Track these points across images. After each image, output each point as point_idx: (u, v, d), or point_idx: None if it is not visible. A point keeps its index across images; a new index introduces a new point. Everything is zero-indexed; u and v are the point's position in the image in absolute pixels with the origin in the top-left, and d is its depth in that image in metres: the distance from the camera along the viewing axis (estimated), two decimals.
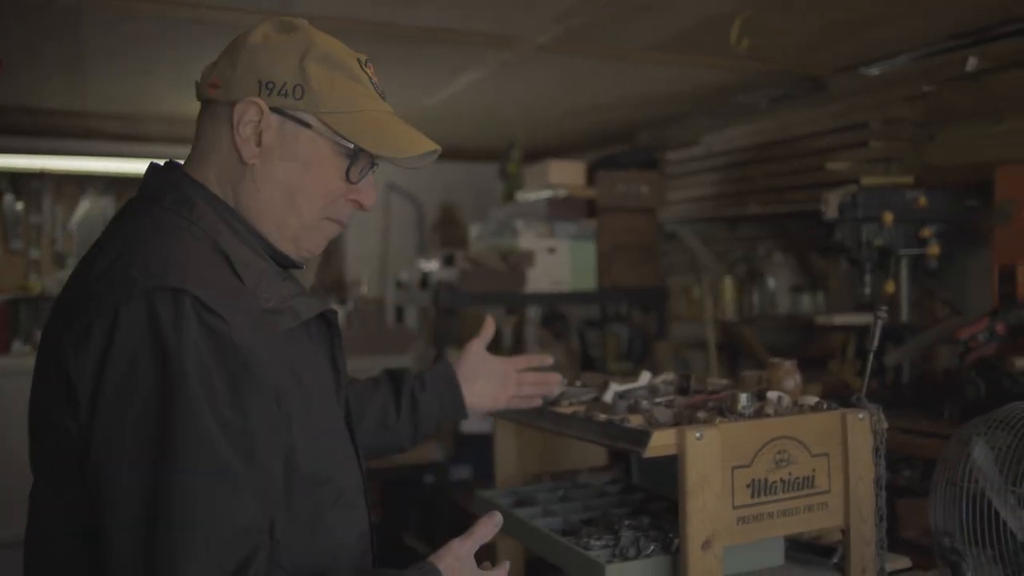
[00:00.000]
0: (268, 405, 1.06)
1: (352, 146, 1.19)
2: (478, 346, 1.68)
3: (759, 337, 3.63)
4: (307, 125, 1.17)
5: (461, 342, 4.83)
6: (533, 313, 4.66)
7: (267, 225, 1.20)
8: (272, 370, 1.07)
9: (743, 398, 1.52)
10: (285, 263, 1.24)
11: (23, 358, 4.66)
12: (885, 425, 1.54)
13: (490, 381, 1.68)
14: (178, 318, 0.99)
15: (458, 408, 1.65)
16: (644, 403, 1.59)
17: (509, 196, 4.13)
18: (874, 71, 3.25)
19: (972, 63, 2.66)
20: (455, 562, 1.17)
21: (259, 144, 1.17)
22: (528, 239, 3.42)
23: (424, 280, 3.68)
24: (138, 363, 0.98)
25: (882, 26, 2.74)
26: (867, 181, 2.80)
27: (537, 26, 2.78)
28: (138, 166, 4.98)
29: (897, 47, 3.01)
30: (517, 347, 4.33)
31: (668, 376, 1.82)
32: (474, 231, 3.90)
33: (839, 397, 2.61)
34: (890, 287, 2.61)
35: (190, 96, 3.87)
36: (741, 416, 1.49)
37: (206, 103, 1.22)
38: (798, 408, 1.54)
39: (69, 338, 1.01)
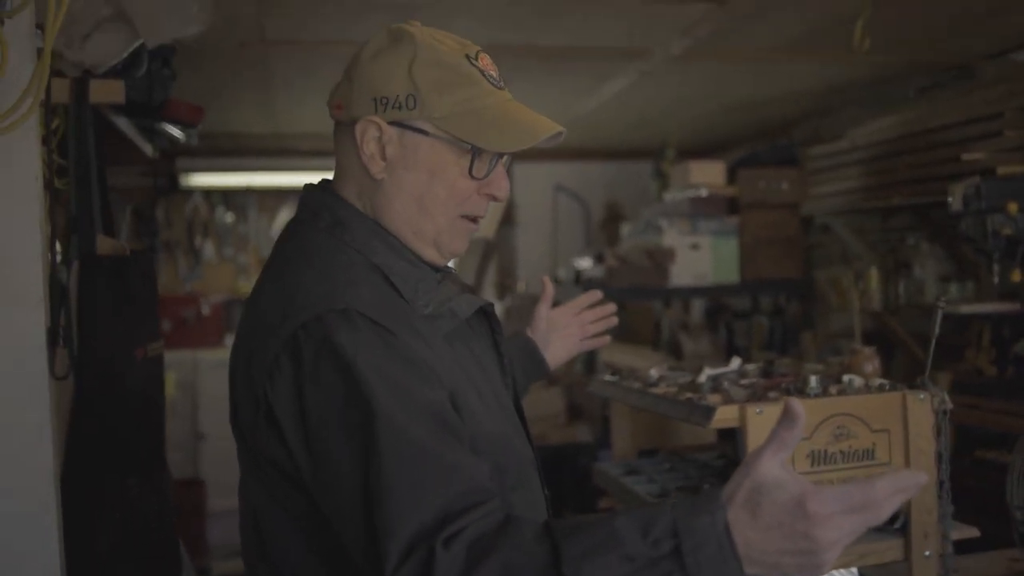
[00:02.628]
0: (443, 392, 1.12)
1: (470, 146, 1.21)
2: (544, 309, 1.79)
3: (910, 326, 3.66)
4: (425, 132, 1.20)
5: (627, 334, 5.08)
6: (697, 306, 4.84)
7: (406, 234, 1.24)
8: (442, 373, 1.14)
9: (812, 380, 1.70)
10: (436, 268, 1.30)
11: None
12: (949, 406, 1.67)
13: (560, 335, 1.80)
14: (351, 333, 1.08)
15: (542, 374, 1.78)
16: (725, 383, 1.79)
17: (662, 194, 4.33)
18: (1023, 57, 3.23)
19: None
20: (743, 479, 0.93)
21: (384, 158, 1.21)
22: (671, 236, 3.62)
23: (577, 277, 3.95)
24: (326, 380, 1.06)
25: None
26: (1003, 171, 2.82)
27: (665, 39, 2.99)
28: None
29: None
30: (672, 338, 4.52)
31: (761, 362, 2.01)
32: (625, 230, 4.14)
33: (970, 384, 2.69)
34: (1015, 275, 2.64)
35: None
36: (807, 396, 1.67)
37: (337, 124, 1.27)
38: (866, 389, 1.71)
39: (260, 368, 1.11)
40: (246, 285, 5.65)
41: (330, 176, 1.32)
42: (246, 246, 5.75)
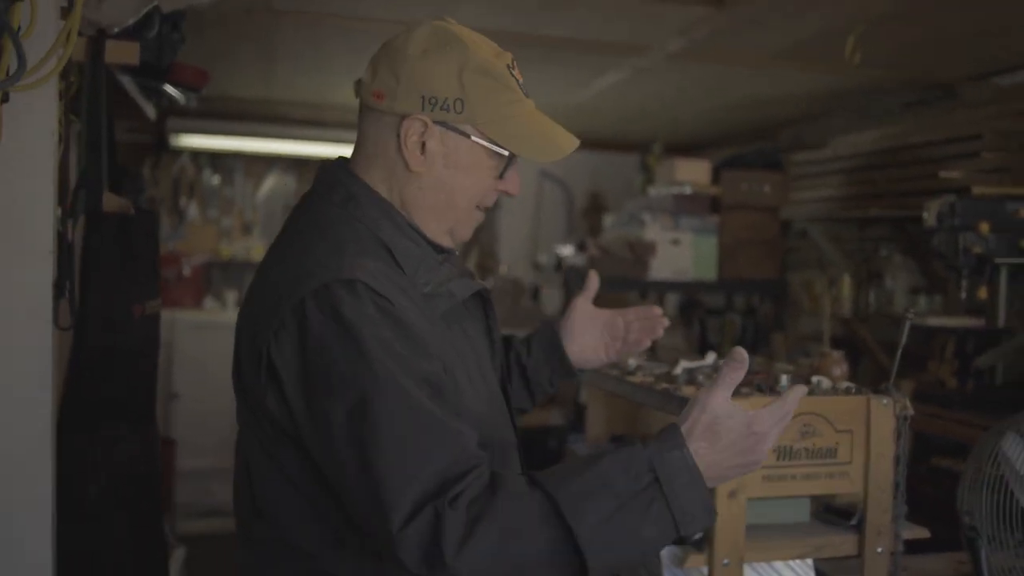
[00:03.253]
0: (437, 362, 1.20)
1: (507, 152, 1.31)
2: (582, 302, 1.70)
3: (878, 334, 3.78)
4: (467, 135, 1.29)
5: None
6: (672, 299, 4.93)
7: (428, 222, 1.32)
8: (435, 346, 1.22)
9: (783, 379, 1.78)
10: (440, 249, 1.36)
11: (214, 314, 5.36)
12: (910, 412, 1.76)
13: (596, 335, 1.70)
14: (355, 302, 1.15)
15: (566, 369, 1.69)
16: (700, 377, 1.87)
17: (646, 188, 4.41)
18: (1006, 81, 3.33)
19: None
20: (700, 414, 1.15)
21: (423, 152, 1.28)
22: (653, 231, 3.70)
23: (559, 264, 4.02)
24: (329, 345, 1.13)
25: (1013, 35, 2.83)
26: (978, 190, 2.93)
27: (664, 37, 3.06)
28: (317, 148, 5.53)
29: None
30: None
31: None
32: (608, 221, 4.22)
33: (931, 394, 2.79)
34: (982, 293, 2.74)
35: None
36: (778, 394, 1.75)
37: (369, 109, 1.32)
38: (832, 391, 1.79)
39: (266, 327, 1.18)
40: (228, 248, 5.67)
41: (345, 153, 1.38)
42: (231, 209, 5.76)
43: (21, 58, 1.05)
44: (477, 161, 1.31)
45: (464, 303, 1.38)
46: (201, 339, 5.03)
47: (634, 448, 1.12)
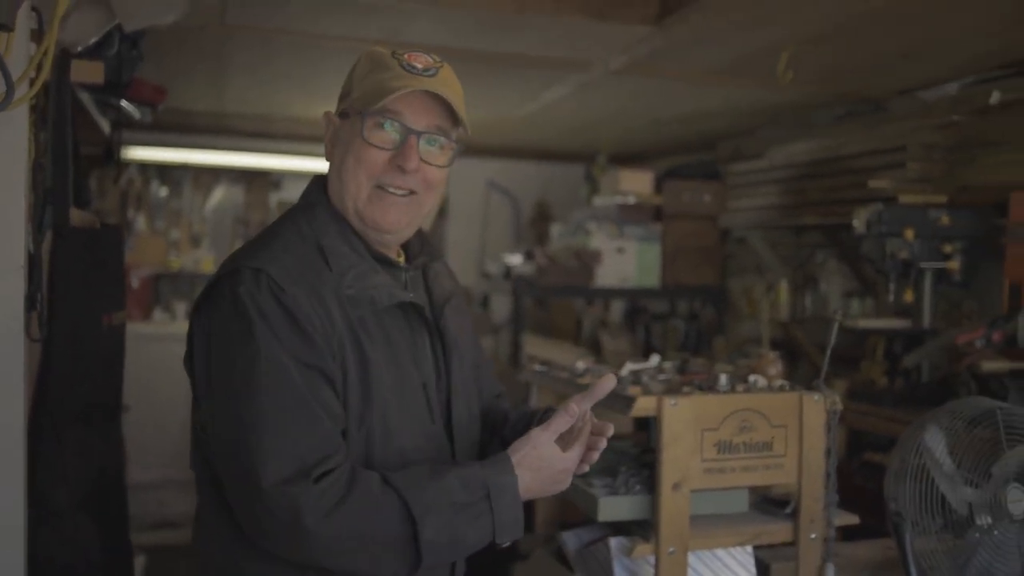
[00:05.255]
0: (321, 354, 1.30)
1: (360, 112, 1.37)
2: (579, 400, 1.40)
3: (813, 337, 3.94)
4: (347, 115, 1.42)
5: (551, 331, 5.28)
6: (617, 306, 5.06)
7: (343, 209, 1.42)
8: (330, 340, 1.31)
9: (722, 378, 1.90)
10: (385, 260, 1.44)
11: (163, 325, 5.35)
12: (839, 407, 1.89)
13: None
14: (253, 286, 1.29)
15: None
16: (644, 377, 1.98)
17: (592, 198, 4.53)
18: (930, 95, 3.51)
19: (995, 96, 2.92)
20: (531, 450, 1.33)
21: (332, 145, 1.45)
22: (599, 239, 3.83)
23: (508, 272, 4.12)
24: (227, 321, 1.29)
25: (936, 53, 3.00)
26: (904, 199, 3.10)
27: (607, 55, 3.18)
28: (265, 160, 5.58)
29: (949, 74, 3.28)
30: (593, 335, 4.73)
31: (677, 361, 2.21)
32: (555, 230, 4.33)
33: (863, 393, 2.94)
34: (908, 295, 2.91)
35: (311, 101, 4.45)
36: (718, 392, 1.87)
37: None
38: (768, 388, 1.92)
39: (195, 302, 1.37)
40: (176, 260, 5.68)
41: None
42: (178, 221, 5.77)
43: (9, 86, 1.11)
44: (351, 133, 1.40)
45: (408, 318, 1.44)
46: (150, 351, 5.03)
47: (474, 468, 1.32)
